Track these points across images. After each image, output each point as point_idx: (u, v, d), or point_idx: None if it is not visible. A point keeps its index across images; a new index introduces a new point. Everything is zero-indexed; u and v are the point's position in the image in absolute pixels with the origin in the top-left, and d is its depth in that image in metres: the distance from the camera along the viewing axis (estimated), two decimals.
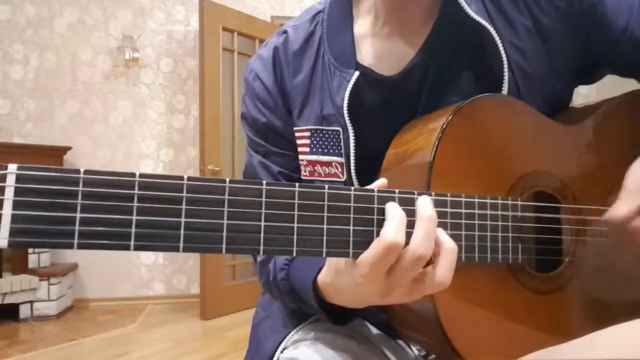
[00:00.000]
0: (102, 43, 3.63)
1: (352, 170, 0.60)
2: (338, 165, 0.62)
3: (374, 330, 0.63)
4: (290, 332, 0.63)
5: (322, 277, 0.51)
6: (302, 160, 0.64)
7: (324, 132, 0.62)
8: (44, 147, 3.35)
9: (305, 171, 0.64)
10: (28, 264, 3.11)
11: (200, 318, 3.13)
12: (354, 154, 0.60)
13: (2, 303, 2.94)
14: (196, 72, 3.58)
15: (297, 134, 0.65)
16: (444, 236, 0.41)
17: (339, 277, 0.46)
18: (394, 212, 0.40)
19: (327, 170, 0.62)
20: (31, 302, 3.08)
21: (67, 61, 3.59)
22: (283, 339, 0.62)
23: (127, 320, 3.11)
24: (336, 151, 0.62)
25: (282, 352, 0.61)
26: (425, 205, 0.42)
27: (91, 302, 3.52)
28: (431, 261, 0.41)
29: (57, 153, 3.38)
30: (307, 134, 0.63)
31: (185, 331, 2.91)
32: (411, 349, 0.64)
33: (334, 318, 0.56)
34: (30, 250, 3.13)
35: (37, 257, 3.17)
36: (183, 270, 3.69)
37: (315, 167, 0.63)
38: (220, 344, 2.63)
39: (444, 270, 0.40)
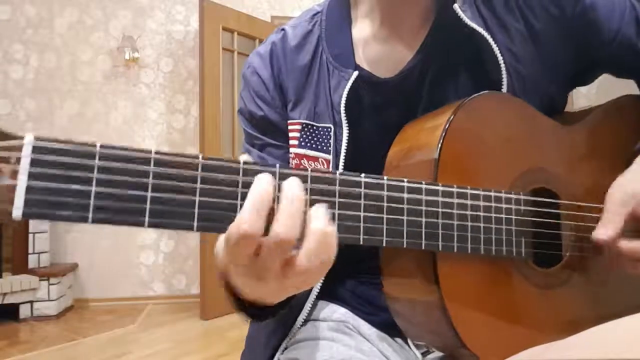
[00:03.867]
0: (102, 43, 3.63)
1: (340, 168, 0.60)
2: (324, 162, 0.62)
3: (374, 330, 0.63)
4: (290, 333, 0.62)
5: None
6: (291, 153, 0.65)
7: (314, 127, 0.63)
8: None
9: (291, 164, 0.65)
10: (28, 264, 3.10)
11: (201, 318, 3.11)
12: (344, 152, 0.60)
13: (2, 303, 2.93)
14: (196, 72, 3.58)
15: (289, 127, 0.66)
16: (314, 218, 0.37)
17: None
18: (254, 191, 0.35)
19: (312, 165, 0.63)
20: (31, 302, 3.06)
21: (67, 61, 3.59)
22: (283, 340, 0.62)
23: (127, 320, 3.09)
24: (324, 148, 0.62)
25: (282, 352, 0.61)
26: (290, 186, 0.37)
27: (91, 302, 3.51)
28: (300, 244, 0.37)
29: None
30: (299, 127, 0.65)
31: (185, 331, 2.90)
32: (410, 348, 0.63)
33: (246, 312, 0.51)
34: (30, 250, 3.12)
35: (37, 257, 3.15)
36: (183, 270, 3.68)
37: (302, 161, 0.64)
38: (220, 344, 2.61)
39: (307, 255, 0.36)
